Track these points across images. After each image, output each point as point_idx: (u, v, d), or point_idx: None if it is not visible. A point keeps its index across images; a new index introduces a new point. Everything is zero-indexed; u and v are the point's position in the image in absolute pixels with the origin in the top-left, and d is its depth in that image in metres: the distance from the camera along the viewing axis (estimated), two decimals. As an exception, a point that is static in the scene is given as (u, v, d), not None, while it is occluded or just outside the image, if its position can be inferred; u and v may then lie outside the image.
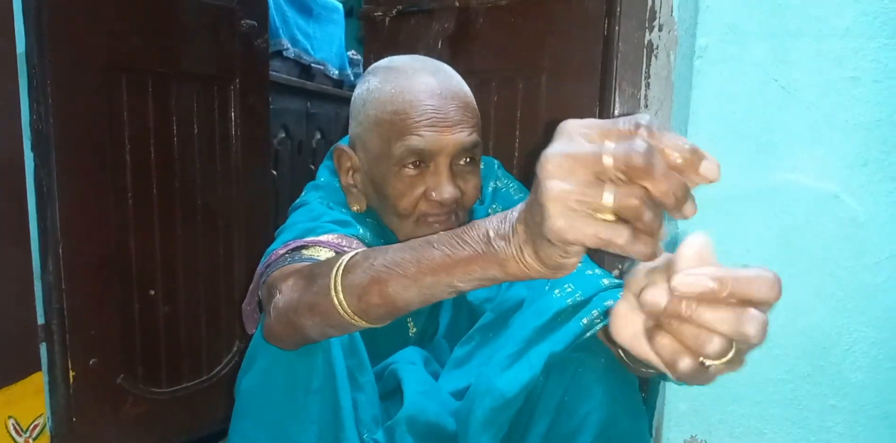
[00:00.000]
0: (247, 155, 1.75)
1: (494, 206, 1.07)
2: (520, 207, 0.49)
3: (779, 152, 1.09)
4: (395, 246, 0.60)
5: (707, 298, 0.42)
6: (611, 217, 0.42)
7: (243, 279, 1.75)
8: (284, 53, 2.48)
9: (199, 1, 1.59)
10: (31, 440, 1.30)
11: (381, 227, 0.97)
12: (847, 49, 1.04)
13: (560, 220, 0.42)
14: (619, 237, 0.42)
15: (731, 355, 0.42)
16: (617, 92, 1.30)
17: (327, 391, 0.77)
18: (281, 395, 0.77)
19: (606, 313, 0.75)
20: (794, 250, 1.10)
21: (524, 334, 0.83)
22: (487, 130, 1.50)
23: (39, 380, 1.32)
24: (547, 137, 0.44)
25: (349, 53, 3.00)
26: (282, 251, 0.80)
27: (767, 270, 0.45)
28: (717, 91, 1.10)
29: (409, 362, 0.93)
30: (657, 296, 0.42)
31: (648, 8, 1.26)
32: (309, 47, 2.63)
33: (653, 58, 1.26)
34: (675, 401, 1.18)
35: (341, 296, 0.62)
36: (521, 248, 0.49)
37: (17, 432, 1.27)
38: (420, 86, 0.89)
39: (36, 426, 1.32)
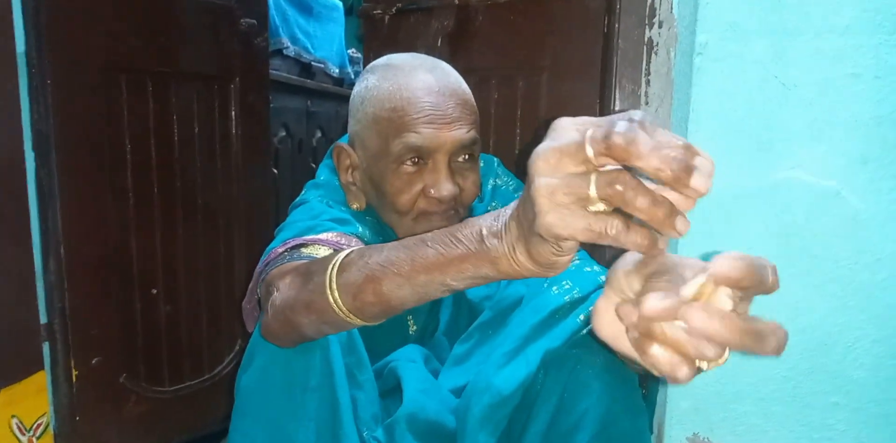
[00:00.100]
0: (247, 154, 1.75)
1: (494, 203, 1.07)
2: (513, 204, 0.49)
3: (779, 150, 1.09)
4: (390, 244, 0.60)
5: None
6: (603, 208, 0.41)
7: (244, 278, 1.75)
8: (284, 52, 2.48)
9: (198, 0, 1.58)
10: (34, 439, 1.31)
11: (381, 225, 0.97)
12: (847, 46, 1.04)
13: (550, 215, 0.42)
14: (611, 228, 0.41)
15: (727, 354, 0.41)
16: (617, 89, 1.30)
17: (325, 389, 0.77)
18: (279, 393, 0.77)
19: None
20: (794, 248, 1.10)
21: (521, 332, 0.83)
22: (488, 128, 1.49)
23: (42, 379, 1.32)
24: (544, 134, 0.44)
25: (349, 52, 3.00)
26: (281, 249, 0.80)
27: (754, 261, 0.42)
28: (718, 88, 1.10)
29: (408, 360, 0.93)
30: (630, 314, 0.42)
31: (648, 5, 1.25)
32: (309, 46, 2.63)
33: (653, 55, 1.26)
34: (678, 399, 1.18)
35: (336, 294, 0.62)
36: (513, 246, 0.48)
37: (20, 431, 1.27)
38: (418, 83, 0.89)
39: (39, 425, 1.32)
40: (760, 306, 1.10)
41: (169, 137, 1.55)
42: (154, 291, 1.54)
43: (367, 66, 0.98)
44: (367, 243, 0.88)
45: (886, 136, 1.05)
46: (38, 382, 1.31)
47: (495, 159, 1.14)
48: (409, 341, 1.02)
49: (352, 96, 0.96)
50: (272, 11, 2.30)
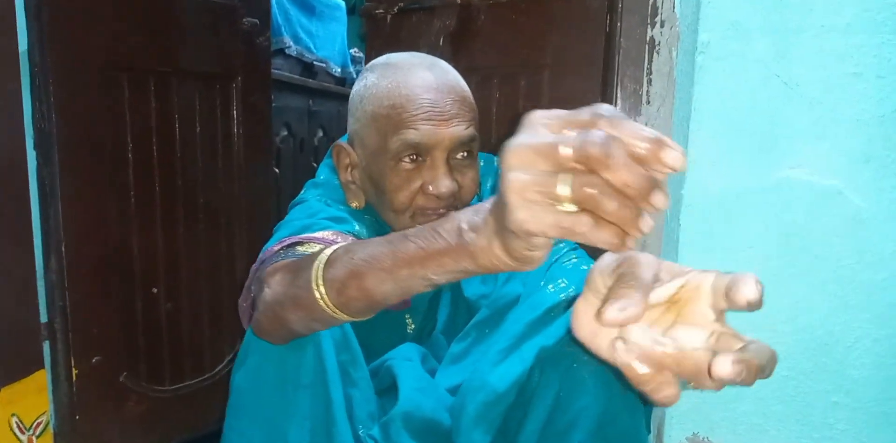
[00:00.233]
0: (249, 153, 1.75)
1: None
2: (492, 199, 0.49)
3: (781, 149, 1.08)
4: (375, 239, 0.61)
5: None
6: (573, 207, 0.41)
7: (245, 277, 1.75)
8: (287, 51, 2.48)
9: (200, -1, 1.59)
10: (34, 438, 1.31)
11: (380, 223, 0.97)
12: (849, 45, 1.04)
13: (520, 211, 0.42)
14: (581, 226, 0.41)
15: (744, 374, 0.41)
16: (619, 88, 1.30)
17: (318, 386, 0.77)
18: (273, 390, 0.78)
19: None
20: (795, 247, 1.10)
21: (517, 329, 0.83)
22: (489, 127, 1.49)
23: (42, 378, 1.32)
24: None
25: (351, 51, 3.00)
26: (276, 248, 0.81)
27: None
28: (719, 87, 1.10)
29: (405, 359, 0.93)
30: (630, 356, 0.43)
31: (650, 4, 1.25)
32: (311, 45, 2.63)
33: (655, 54, 1.26)
34: (678, 398, 1.17)
35: (323, 290, 0.63)
36: (490, 240, 0.49)
37: (20, 429, 1.27)
38: (416, 80, 0.89)
39: (39, 424, 1.32)
40: (762, 306, 1.09)
41: (170, 136, 1.55)
42: (155, 290, 1.54)
43: (367, 66, 0.98)
44: None
45: (888, 135, 1.04)
46: (38, 380, 1.31)
47: (496, 158, 1.14)
48: (408, 340, 1.02)
49: (351, 95, 0.97)
50: (274, 10, 2.30)
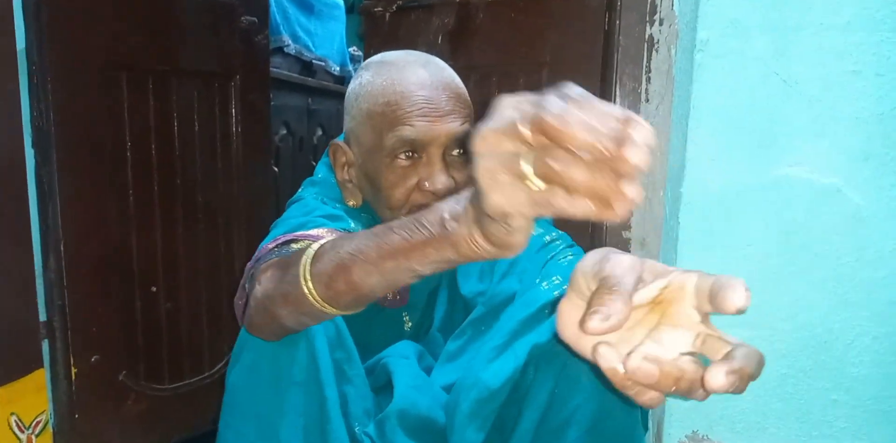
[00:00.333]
0: (248, 152, 1.75)
1: None
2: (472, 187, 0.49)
3: (780, 146, 1.08)
4: (361, 233, 0.61)
5: None
6: (543, 184, 0.41)
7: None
8: (285, 50, 2.47)
9: (198, -3, 1.59)
10: (33, 437, 1.31)
11: (376, 221, 0.97)
12: (848, 43, 1.04)
13: (493, 194, 0.43)
14: (556, 200, 0.41)
15: (737, 383, 0.41)
16: (618, 86, 1.30)
17: (312, 384, 0.77)
18: (266, 387, 0.78)
19: None
20: (795, 245, 1.10)
21: (510, 326, 0.83)
22: (488, 125, 1.49)
23: (41, 377, 1.32)
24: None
25: (350, 50, 3.00)
26: (271, 246, 0.81)
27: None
28: (719, 85, 1.10)
29: (401, 357, 0.93)
30: (611, 358, 0.43)
31: (649, 2, 1.25)
32: (310, 44, 2.63)
33: (654, 52, 1.26)
34: (677, 396, 1.17)
35: (311, 284, 0.63)
36: (470, 228, 0.49)
37: (19, 428, 1.27)
38: (411, 77, 0.89)
39: (38, 423, 1.32)
40: (761, 304, 1.10)
41: (169, 135, 1.54)
42: (154, 289, 1.54)
43: (362, 64, 0.99)
44: None
45: (888, 133, 1.04)
46: (37, 379, 1.31)
47: None
48: (405, 338, 1.02)
49: (346, 94, 0.97)
50: (273, 9, 2.30)
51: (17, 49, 1.24)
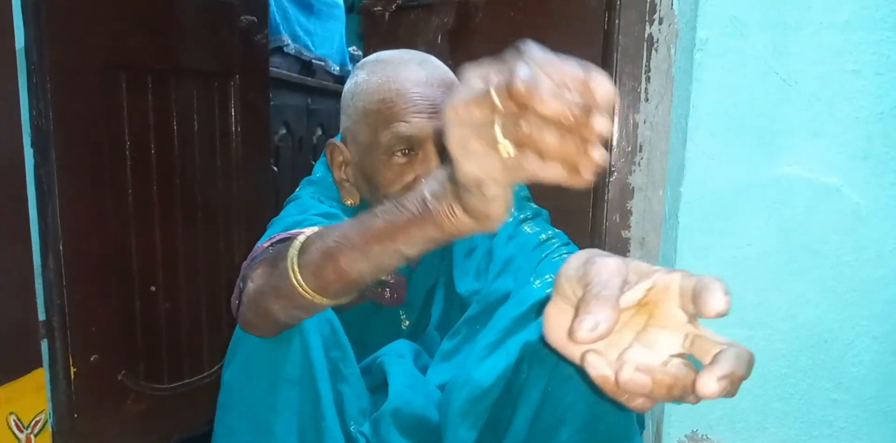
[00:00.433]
0: (247, 151, 1.75)
1: None
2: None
3: (780, 145, 1.08)
4: (346, 221, 0.63)
5: None
6: (514, 150, 0.42)
7: (244, 276, 1.75)
8: (285, 49, 2.47)
9: (198, -3, 1.58)
10: (32, 437, 1.30)
11: None
12: (848, 42, 1.04)
13: (466, 163, 0.43)
14: (527, 163, 0.41)
15: (728, 388, 0.41)
16: (617, 86, 1.30)
17: (306, 382, 0.77)
18: (260, 386, 0.78)
19: None
20: (795, 244, 1.10)
21: (502, 325, 0.83)
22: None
23: (41, 376, 1.32)
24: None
25: (350, 49, 3.00)
26: (266, 244, 0.81)
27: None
28: (718, 84, 1.10)
29: (397, 356, 0.93)
30: (601, 366, 0.42)
31: (648, 1, 1.25)
32: (310, 43, 2.63)
33: (653, 51, 1.25)
34: (677, 396, 1.17)
35: (300, 276, 0.64)
36: (450, 203, 0.50)
37: (18, 428, 1.27)
38: (407, 75, 0.89)
39: (37, 423, 1.32)
40: (761, 304, 1.10)
41: (169, 135, 1.54)
42: (153, 289, 1.54)
43: (358, 64, 0.99)
44: None
45: (887, 131, 1.04)
46: (36, 379, 1.31)
47: None
48: (402, 336, 1.02)
49: (343, 94, 0.98)
50: (272, 9, 2.30)
51: (17, 48, 1.24)
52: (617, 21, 1.29)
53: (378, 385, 0.91)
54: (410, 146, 0.89)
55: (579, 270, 0.46)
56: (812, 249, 1.09)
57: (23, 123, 1.26)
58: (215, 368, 1.71)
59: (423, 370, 0.94)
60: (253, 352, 0.78)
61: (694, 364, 0.42)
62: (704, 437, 1.17)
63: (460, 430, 0.80)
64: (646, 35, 1.26)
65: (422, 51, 0.98)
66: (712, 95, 1.10)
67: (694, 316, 0.44)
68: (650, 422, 1.23)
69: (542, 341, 0.79)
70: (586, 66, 0.40)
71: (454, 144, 0.43)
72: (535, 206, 1.06)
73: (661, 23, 1.24)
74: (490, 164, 0.43)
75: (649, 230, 1.26)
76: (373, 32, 1.65)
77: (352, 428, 0.82)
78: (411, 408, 0.84)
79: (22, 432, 1.28)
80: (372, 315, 1.02)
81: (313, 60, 2.66)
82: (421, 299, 1.04)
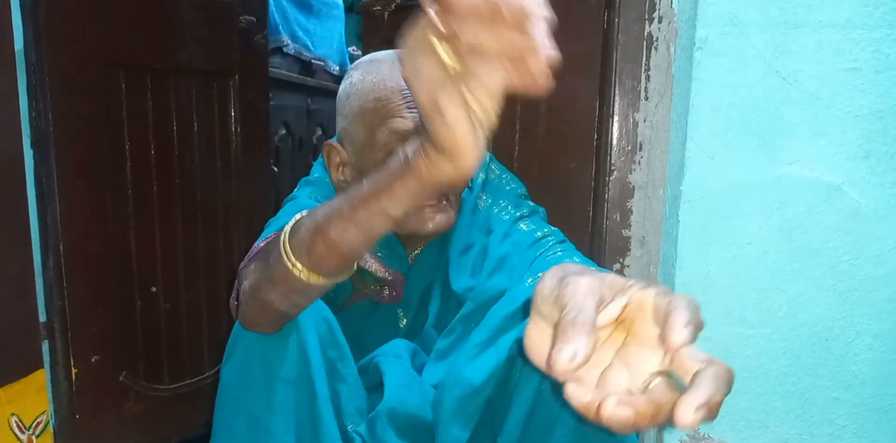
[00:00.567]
0: (247, 151, 1.75)
1: (482, 195, 1.06)
2: None
3: (780, 144, 1.08)
4: (335, 198, 0.63)
5: None
6: (458, 63, 0.44)
7: (244, 276, 1.75)
8: (285, 49, 2.47)
9: (197, -3, 1.58)
10: (33, 438, 1.30)
11: None
12: (848, 40, 1.03)
13: (420, 90, 0.46)
14: (474, 69, 0.44)
15: (707, 415, 0.38)
16: (617, 85, 1.30)
17: (303, 381, 0.77)
18: (257, 385, 0.78)
19: None
20: (795, 243, 1.09)
21: (494, 323, 0.83)
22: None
23: (42, 377, 1.32)
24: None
25: (350, 49, 3.00)
26: (262, 244, 0.81)
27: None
28: (718, 83, 1.09)
29: (394, 355, 0.93)
30: (582, 396, 0.41)
31: (648, 0, 1.25)
32: (309, 43, 2.63)
33: (653, 50, 1.25)
34: (677, 395, 1.17)
35: (293, 258, 0.64)
36: (424, 147, 0.51)
37: (20, 429, 1.27)
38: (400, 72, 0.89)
39: (39, 424, 1.32)
40: (761, 302, 1.09)
41: (168, 135, 1.54)
42: (153, 289, 1.54)
43: (352, 65, 0.99)
44: None
45: (887, 130, 1.04)
46: (37, 380, 1.31)
47: (488, 154, 1.13)
48: (400, 335, 1.02)
49: (338, 95, 0.98)
50: (272, 9, 2.30)
51: (16, 49, 1.24)
52: (616, 20, 1.29)
53: (375, 385, 0.91)
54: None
55: (553, 291, 0.45)
56: (812, 247, 1.09)
57: (22, 122, 1.26)
58: (216, 368, 1.71)
59: (421, 369, 0.94)
60: (250, 351, 0.78)
61: (676, 381, 0.41)
62: (706, 436, 1.17)
63: (453, 429, 0.80)
64: (645, 34, 1.26)
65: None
66: (712, 94, 1.10)
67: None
68: (651, 421, 1.22)
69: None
70: None
71: (409, 75, 0.46)
72: (532, 204, 1.06)
73: (660, 21, 1.24)
74: (440, 82, 0.45)
75: (649, 229, 1.26)
76: (372, 32, 1.65)
77: (349, 428, 0.82)
78: (407, 408, 0.85)
79: (23, 433, 1.28)
80: (370, 314, 1.02)
81: (313, 60, 2.66)
82: (418, 297, 1.04)
